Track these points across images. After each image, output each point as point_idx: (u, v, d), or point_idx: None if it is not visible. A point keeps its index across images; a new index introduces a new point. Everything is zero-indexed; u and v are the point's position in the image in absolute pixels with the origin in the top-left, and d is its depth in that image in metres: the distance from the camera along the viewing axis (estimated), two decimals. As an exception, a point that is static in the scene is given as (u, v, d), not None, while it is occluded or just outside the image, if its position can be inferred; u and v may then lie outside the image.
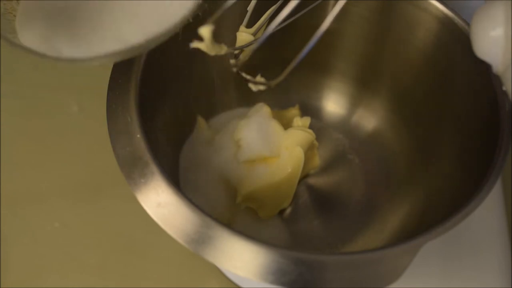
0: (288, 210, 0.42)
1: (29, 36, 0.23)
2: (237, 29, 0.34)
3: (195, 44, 0.28)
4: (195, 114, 0.43)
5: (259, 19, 0.34)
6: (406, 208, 0.40)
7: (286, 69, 0.31)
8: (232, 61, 0.33)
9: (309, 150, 0.40)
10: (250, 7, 0.34)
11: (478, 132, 0.34)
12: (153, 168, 0.28)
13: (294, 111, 0.44)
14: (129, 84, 0.31)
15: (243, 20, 0.34)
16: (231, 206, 0.40)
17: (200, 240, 0.26)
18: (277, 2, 0.34)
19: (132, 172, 0.28)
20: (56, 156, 0.48)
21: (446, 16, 0.36)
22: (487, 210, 0.44)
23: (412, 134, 0.42)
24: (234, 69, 0.33)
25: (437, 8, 0.36)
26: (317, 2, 0.35)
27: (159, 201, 0.27)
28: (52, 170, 0.47)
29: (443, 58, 0.37)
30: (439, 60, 0.38)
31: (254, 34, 0.33)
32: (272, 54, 0.41)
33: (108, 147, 0.29)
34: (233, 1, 0.30)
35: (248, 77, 0.33)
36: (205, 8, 0.30)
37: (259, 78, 0.40)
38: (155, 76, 0.34)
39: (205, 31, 0.27)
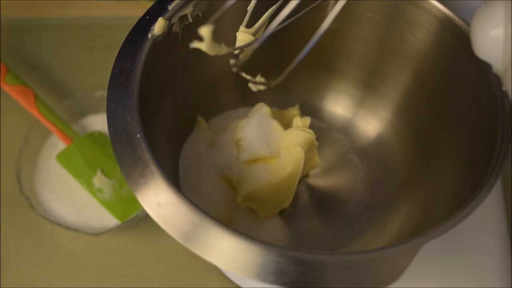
0: (288, 210, 0.42)
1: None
2: (237, 29, 0.34)
3: (195, 44, 0.28)
4: (195, 114, 0.43)
5: (259, 19, 0.34)
6: (406, 208, 0.40)
7: (286, 69, 0.31)
8: (232, 61, 0.33)
9: (309, 150, 0.40)
10: (250, 7, 0.34)
11: (478, 132, 0.34)
12: (153, 168, 0.28)
13: (294, 111, 0.44)
14: (129, 84, 0.31)
15: (243, 20, 0.34)
16: (231, 206, 0.40)
17: (200, 240, 0.26)
18: (277, 2, 0.34)
19: (132, 172, 0.28)
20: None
21: (446, 16, 0.36)
22: (487, 210, 0.44)
23: (412, 133, 0.42)
24: (234, 69, 0.33)
25: (437, 8, 0.36)
26: (317, 2, 0.35)
27: (159, 201, 0.27)
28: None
29: (443, 58, 0.37)
30: (439, 60, 0.38)
31: (254, 34, 0.33)
32: (272, 54, 0.41)
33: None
34: (233, 1, 0.30)
35: (248, 77, 0.33)
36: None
37: (259, 78, 0.40)
38: (155, 76, 0.34)
39: (205, 31, 0.27)
